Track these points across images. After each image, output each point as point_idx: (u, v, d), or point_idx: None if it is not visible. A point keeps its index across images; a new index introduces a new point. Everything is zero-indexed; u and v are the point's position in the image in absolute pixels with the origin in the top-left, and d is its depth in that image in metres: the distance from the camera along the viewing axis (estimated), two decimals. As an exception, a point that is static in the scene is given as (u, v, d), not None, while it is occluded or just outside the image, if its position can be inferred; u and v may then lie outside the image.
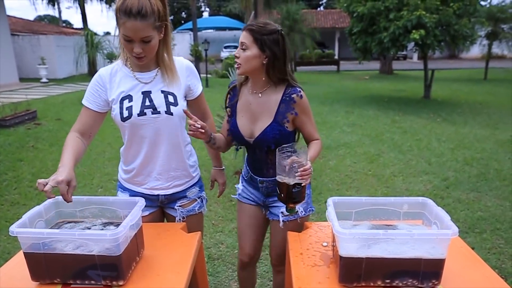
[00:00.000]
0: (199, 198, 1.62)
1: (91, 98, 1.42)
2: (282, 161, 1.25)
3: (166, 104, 1.41)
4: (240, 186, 1.72)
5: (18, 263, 1.23)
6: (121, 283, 1.12)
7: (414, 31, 7.67)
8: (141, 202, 1.25)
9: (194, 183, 1.61)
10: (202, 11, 40.88)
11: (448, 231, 1.07)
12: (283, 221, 1.57)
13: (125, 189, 1.55)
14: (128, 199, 1.30)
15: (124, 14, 1.25)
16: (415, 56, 24.60)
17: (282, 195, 1.30)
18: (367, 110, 8.14)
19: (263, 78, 1.48)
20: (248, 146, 1.58)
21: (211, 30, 30.41)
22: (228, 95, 1.61)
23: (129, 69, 1.42)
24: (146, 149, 1.45)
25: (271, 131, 1.47)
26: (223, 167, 1.78)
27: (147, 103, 1.40)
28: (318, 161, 4.60)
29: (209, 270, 2.38)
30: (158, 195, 1.53)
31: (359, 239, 1.08)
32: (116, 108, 1.41)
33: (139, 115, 1.39)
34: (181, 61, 1.50)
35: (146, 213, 1.51)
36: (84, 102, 1.43)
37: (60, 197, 1.30)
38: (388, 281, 1.11)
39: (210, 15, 39.38)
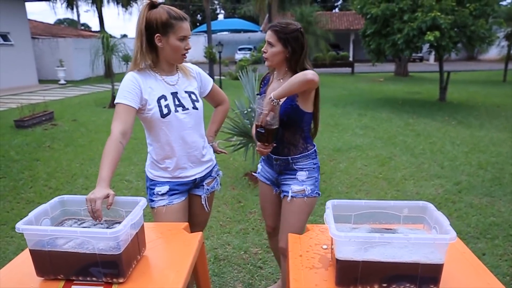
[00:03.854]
0: (217, 175, 1.86)
1: (130, 96, 1.51)
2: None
3: (191, 101, 1.65)
4: (259, 166, 1.95)
5: (26, 259, 1.27)
6: (121, 280, 1.15)
7: (428, 32, 7.54)
8: (143, 201, 1.28)
9: (215, 163, 1.85)
10: (217, 14, 41.18)
11: (446, 236, 1.06)
12: (291, 196, 1.75)
13: (163, 183, 1.68)
14: (130, 199, 1.32)
15: (178, 19, 1.52)
16: (432, 58, 24.18)
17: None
18: (380, 112, 8.05)
19: (286, 68, 1.75)
20: None
21: (226, 33, 30.57)
22: (260, 85, 1.91)
23: (157, 73, 1.60)
24: (181, 143, 1.64)
25: (284, 105, 1.68)
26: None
27: (177, 102, 1.61)
28: (328, 163, 4.58)
29: (214, 271, 2.40)
30: (195, 179, 1.73)
31: (355, 242, 1.08)
32: (154, 107, 1.56)
33: (175, 112, 1.59)
34: (192, 67, 1.76)
35: (183, 198, 1.71)
36: (123, 101, 1.50)
37: (66, 196, 1.36)
38: (385, 285, 1.10)
39: (225, 17, 39.62)
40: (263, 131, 1.61)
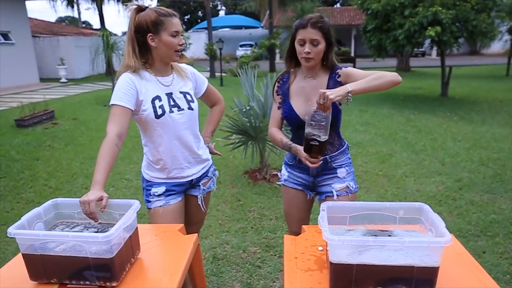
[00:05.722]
0: (214, 175, 1.86)
1: (126, 97, 1.50)
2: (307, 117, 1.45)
3: (187, 102, 1.64)
4: (284, 172, 1.84)
5: (19, 263, 1.27)
6: (114, 284, 1.14)
7: (430, 27, 7.48)
8: (136, 204, 1.27)
9: (212, 163, 1.84)
10: (219, 10, 41.04)
11: (441, 239, 1.04)
12: (337, 195, 1.71)
13: (159, 184, 1.68)
14: (124, 201, 1.31)
15: (168, 16, 1.53)
16: (434, 52, 24.02)
17: (303, 146, 1.53)
18: (382, 108, 8.01)
19: (319, 64, 1.68)
20: (301, 128, 1.63)
21: (227, 29, 30.47)
22: (278, 84, 1.78)
23: (151, 74, 1.60)
24: (176, 144, 1.63)
25: None
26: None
27: (172, 102, 1.61)
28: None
29: (213, 270, 2.40)
30: (191, 179, 1.73)
31: (349, 246, 1.07)
32: (148, 107, 1.55)
33: (169, 112, 1.59)
34: (186, 67, 1.75)
35: (179, 198, 1.71)
36: (118, 102, 1.49)
37: (59, 199, 1.35)
38: (380, 288, 1.09)
39: (226, 13, 39.48)
40: (317, 143, 1.47)
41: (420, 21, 7.57)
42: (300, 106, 1.68)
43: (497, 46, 16.02)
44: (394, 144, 5.31)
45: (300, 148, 1.60)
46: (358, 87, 1.45)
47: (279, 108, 1.78)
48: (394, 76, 1.51)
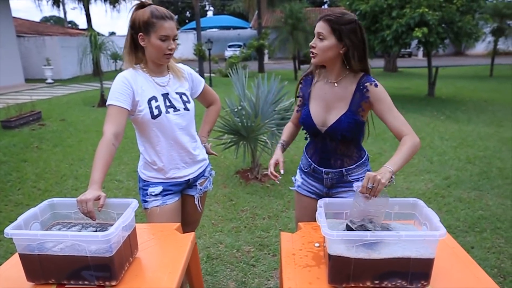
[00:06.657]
0: (210, 175, 1.86)
1: (122, 98, 1.50)
2: (356, 202, 1.22)
3: (183, 102, 1.65)
4: (298, 178, 1.74)
5: (15, 264, 1.25)
6: (113, 283, 1.14)
7: (417, 28, 7.62)
8: (134, 203, 1.27)
9: (208, 163, 1.85)
10: (207, 10, 40.93)
11: (436, 233, 1.08)
12: None
13: (156, 184, 1.68)
14: (121, 201, 1.31)
15: (160, 18, 1.50)
16: (420, 53, 24.43)
17: None
18: (370, 108, 8.10)
19: (339, 67, 1.51)
20: (318, 136, 1.58)
21: (215, 30, 30.40)
22: (300, 85, 1.66)
23: (147, 74, 1.59)
24: (173, 144, 1.64)
25: (346, 119, 1.49)
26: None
27: (168, 103, 1.61)
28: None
29: (207, 270, 2.40)
30: (188, 179, 1.73)
31: (347, 240, 1.09)
32: (144, 108, 1.55)
33: (165, 113, 1.59)
34: (183, 67, 1.75)
35: (176, 198, 1.71)
36: (115, 103, 1.49)
37: (56, 199, 1.34)
38: (377, 281, 1.12)
39: (214, 14, 39.41)
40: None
41: (407, 22, 7.70)
42: (318, 112, 1.55)
43: (480, 47, 16.41)
44: (383, 143, 5.39)
45: (277, 154, 1.65)
46: (398, 167, 1.32)
47: (297, 111, 1.69)
48: (418, 143, 1.42)
